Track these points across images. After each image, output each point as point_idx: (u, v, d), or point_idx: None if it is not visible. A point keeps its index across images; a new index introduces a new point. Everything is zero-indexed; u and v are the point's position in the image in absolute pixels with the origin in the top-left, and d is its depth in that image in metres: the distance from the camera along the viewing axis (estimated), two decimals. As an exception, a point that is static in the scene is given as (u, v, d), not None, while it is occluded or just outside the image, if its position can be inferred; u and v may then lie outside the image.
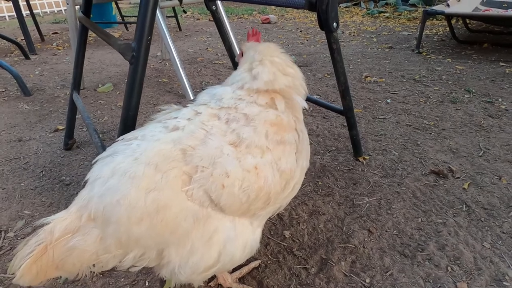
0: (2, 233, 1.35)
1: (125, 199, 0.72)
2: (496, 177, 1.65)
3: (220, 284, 1.13)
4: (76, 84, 1.80)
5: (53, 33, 5.40)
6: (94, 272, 0.79)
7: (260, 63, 0.98)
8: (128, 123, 1.08)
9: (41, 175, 1.73)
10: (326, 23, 1.33)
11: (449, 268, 1.18)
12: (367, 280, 1.15)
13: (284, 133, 0.89)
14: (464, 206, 1.47)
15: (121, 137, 0.87)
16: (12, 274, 0.71)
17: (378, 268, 1.19)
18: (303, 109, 1.04)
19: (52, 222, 0.73)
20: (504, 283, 1.12)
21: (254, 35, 1.18)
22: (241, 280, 1.16)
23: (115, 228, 0.72)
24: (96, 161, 0.82)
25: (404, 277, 1.16)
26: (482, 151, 1.88)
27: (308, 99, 2.03)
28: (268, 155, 0.83)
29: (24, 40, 4.13)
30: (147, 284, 1.14)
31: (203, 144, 0.80)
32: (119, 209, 0.72)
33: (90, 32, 1.72)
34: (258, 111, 0.89)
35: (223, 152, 0.79)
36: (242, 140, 0.82)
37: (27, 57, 3.85)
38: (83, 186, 0.81)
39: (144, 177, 0.74)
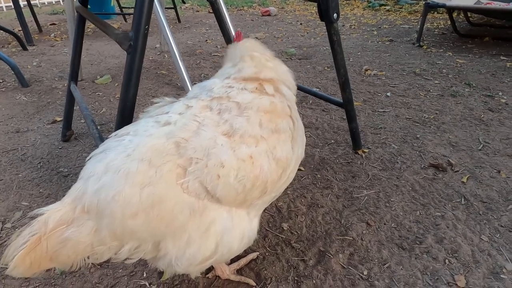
0: (0, 224, 1.35)
1: (119, 195, 0.71)
2: (495, 170, 1.65)
3: (218, 276, 1.13)
4: (74, 75, 1.78)
5: (51, 24, 5.35)
6: (91, 263, 0.78)
7: (241, 59, 1.00)
8: (126, 114, 1.07)
9: (39, 167, 1.73)
10: (326, 14, 1.32)
11: (446, 261, 1.18)
12: (365, 272, 1.15)
13: (279, 120, 0.88)
14: (462, 199, 1.47)
15: (113, 133, 0.86)
16: (5, 265, 0.70)
17: (376, 260, 1.20)
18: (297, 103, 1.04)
19: (46, 213, 0.72)
20: (502, 275, 1.12)
21: (237, 36, 1.17)
22: (239, 271, 1.16)
23: (110, 221, 0.72)
24: (90, 158, 0.81)
25: (401, 269, 1.16)
26: (481, 145, 1.87)
27: (308, 92, 2.02)
28: (263, 144, 0.83)
29: (21, 31, 4.09)
30: (145, 275, 1.14)
31: (196, 135, 0.79)
32: (114, 204, 0.71)
33: (88, 24, 1.70)
34: (251, 98, 0.88)
35: (217, 142, 0.79)
36: (236, 130, 0.81)
37: (24, 48, 3.82)
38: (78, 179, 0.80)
39: (138, 173, 0.73)
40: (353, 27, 5.12)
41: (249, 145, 0.81)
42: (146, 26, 0.99)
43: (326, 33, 1.48)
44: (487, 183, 1.57)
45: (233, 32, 3.03)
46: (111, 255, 0.77)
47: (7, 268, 0.69)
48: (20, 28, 4.08)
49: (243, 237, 0.87)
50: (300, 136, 0.97)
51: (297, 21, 5.69)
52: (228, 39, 2.02)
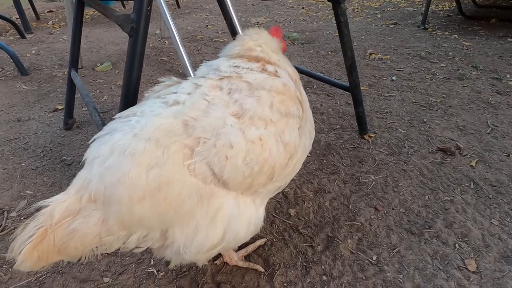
0: (5, 213, 1.34)
1: (125, 177, 0.69)
2: (505, 154, 1.62)
3: (226, 263, 1.12)
4: (74, 62, 1.75)
5: (48, 12, 5.26)
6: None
7: (235, 41, 1.01)
8: (129, 99, 1.04)
9: (41, 155, 1.71)
10: (333, -6, 1.27)
11: (456, 245, 1.17)
12: (374, 258, 1.14)
13: (290, 103, 0.86)
14: (471, 183, 1.45)
15: (117, 115, 0.83)
16: (12, 260, 0.68)
17: (385, 245, 1.18)
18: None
19: (50, 205, 0.70)
20: (513, 259, 1.11)
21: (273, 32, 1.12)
22: (247, 258, 1.15)
23: (117, 209, 0.69)
24: (94, 140, 0.78)
25: (411, 254, 1.15)
26: (490, 128, 1.84)
27: (313, 76, 1.98)
28: (271, 127, 0.81)
29: (19, 19, 4.01)
30: (152, 262, 1.14)
31: (205, 114, 0.77)
32: (120, 188, 0.69)
33: (87, 10, 1.66)
34: (264, 78, 0.85)
35: (227, 122, 0.76)
36: (245, 112, 0.79)
37: (22, 36, 3.76)
38: (82, 166, 0.77)
39: (144, 153, 0.70)
40: (356, 10, 5.02)
41: (258, 127, 0.79)
42: (149, 7, 0.95)
43: (329, 16, 1.44)
44: (497, 166, 1.54)
45: (235, 16, 2.97)
46: (119, 245, 0.76)
47: (15, 263, 0.68)
48: (18, 16, 4.00)
49: (249, 224, 0.85)
50: (308, 128, 0.95)
51: (299, 5, 5.57)
52: (230, 23, 1.97)
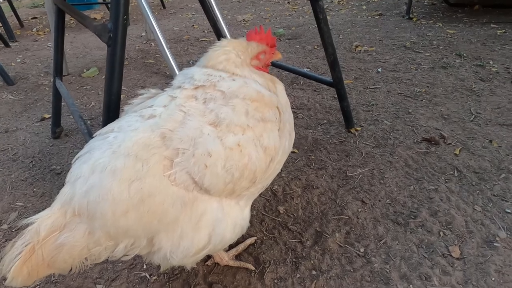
0: (-4, 225, 1.34)
1: (108, 194, 0.70)
2: (487, 140, 1.66)
3: (217, 263, 1.14)
4: (58, 70, 1.74)
5: (32, 18, 5.21)
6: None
7: (204, 57, 0.99)
8: (112, 108, 1.05)
9: (31, 166, 1.71)
10: (310, -8, 1.28)
11: (441, 233, 1.20)
12: (362, 250, 1.17)
13: (266, 109, 0.87)
14: (455, 171, 1.48)
15: (97, 132, 0.85)
16: (3, 279, 0.70)
17: (372, 237, 1.21)
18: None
19: (36, 221, 0.71)
20: (495, 244, 1.14)
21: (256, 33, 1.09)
22: (238, 257, 1.17)
23: (102, 223, 0.71)
24: (75, 160, 0.80)
25: (397, 244, 1.18)
26: (473, 116, 1.87)
27: (297, 72, 2.00)
28: (249, 132, 0.82)
29: (2, 27, 3.97)
30: (144, 267, 1.15)
31: (182, 125, 0.78)
32: (104, 204, 0.70)
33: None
34: (238, 86, 0.86)
35: (203, 132, 0.78)
36: (221, 120, 0.80)
37: (7, 45, 3.72)
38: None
39: (125, 169, 0.72)
40: (341, 2, 5.03)
41: (236, 134, 0.80)
42: (125, 16, 0.96)
43: (313, 11, 1.44)
44: (479, 153, 1.58)
45: (219, 15, 2.95)
46: (108, 254, 0.77)
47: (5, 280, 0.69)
48: (0, 25, 3.96)
49: (235, 226, 0.87)
50: (287, 129, 0.95)
51: (285, -1, 5.57)
52: (214, 23, 1.97)
